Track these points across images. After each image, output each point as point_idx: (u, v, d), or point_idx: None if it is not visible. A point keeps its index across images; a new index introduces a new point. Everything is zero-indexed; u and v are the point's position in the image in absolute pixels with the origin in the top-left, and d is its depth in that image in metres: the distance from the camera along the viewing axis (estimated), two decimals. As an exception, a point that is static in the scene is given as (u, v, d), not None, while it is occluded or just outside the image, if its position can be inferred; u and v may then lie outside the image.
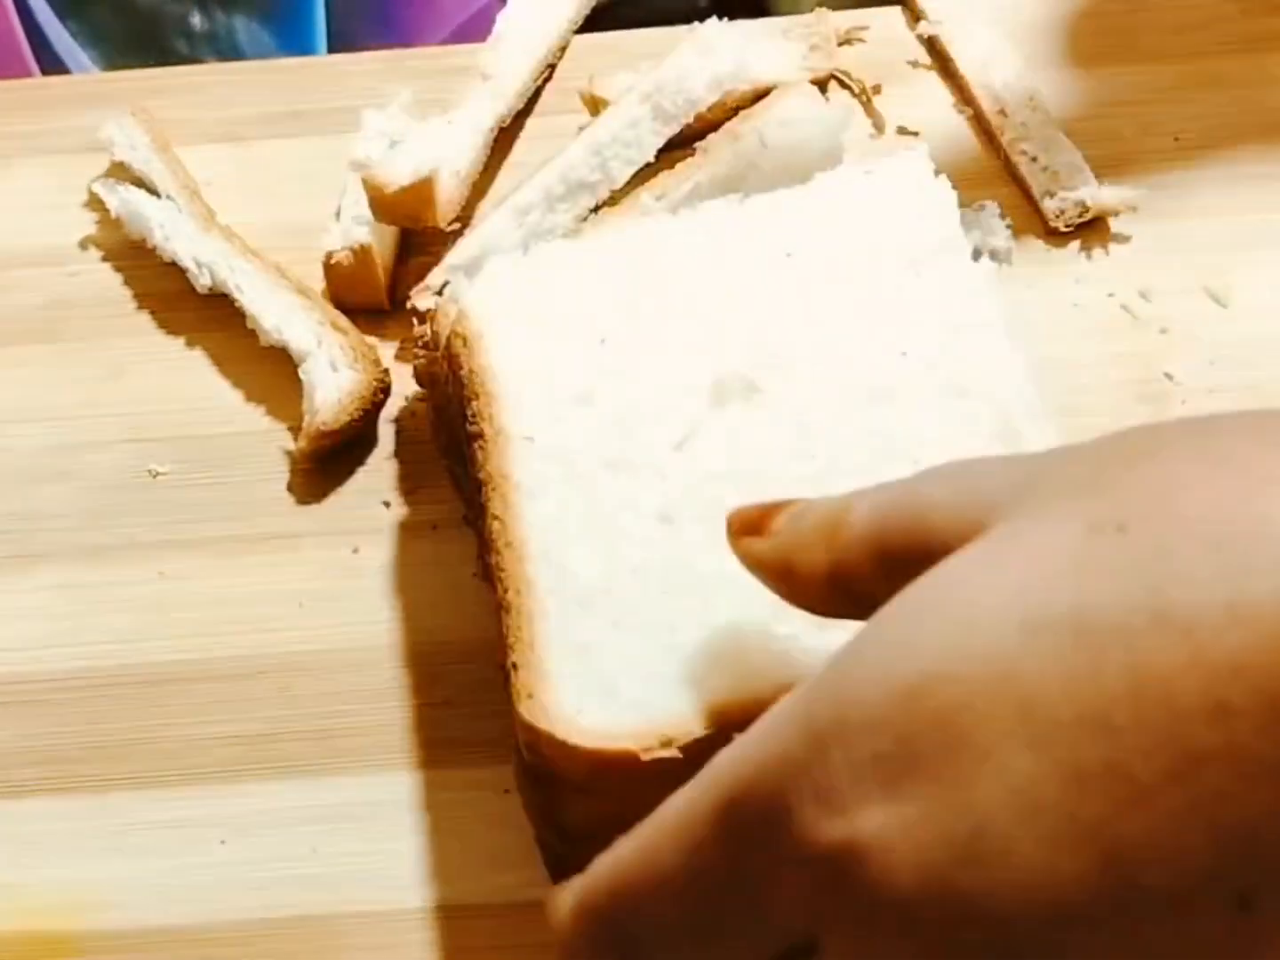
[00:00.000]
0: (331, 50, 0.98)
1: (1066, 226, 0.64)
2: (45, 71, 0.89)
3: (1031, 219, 0.65)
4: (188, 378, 0.65)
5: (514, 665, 0.46)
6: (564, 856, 0.47)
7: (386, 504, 0.60)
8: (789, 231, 0.55)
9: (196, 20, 0.97)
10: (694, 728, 0.44)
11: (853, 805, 0.32)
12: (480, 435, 0.51)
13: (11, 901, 0.52)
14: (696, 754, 0.42)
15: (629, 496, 0.49)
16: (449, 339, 0.54)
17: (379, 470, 0.61)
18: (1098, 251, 0.64)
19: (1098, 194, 0.65)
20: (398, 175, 0.63)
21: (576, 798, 0.46)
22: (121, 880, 0.53)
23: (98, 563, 0.60)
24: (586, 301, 0.54)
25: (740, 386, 0.51)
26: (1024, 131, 0.67)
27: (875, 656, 0.33)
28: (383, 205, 0.64)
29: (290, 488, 0.61)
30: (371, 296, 0.65)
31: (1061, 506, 0.34)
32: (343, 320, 0.63)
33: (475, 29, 0.98)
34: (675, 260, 0.55)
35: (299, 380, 0.62)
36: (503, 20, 0.72)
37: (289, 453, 0.62)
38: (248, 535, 0.60)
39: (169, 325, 0.66)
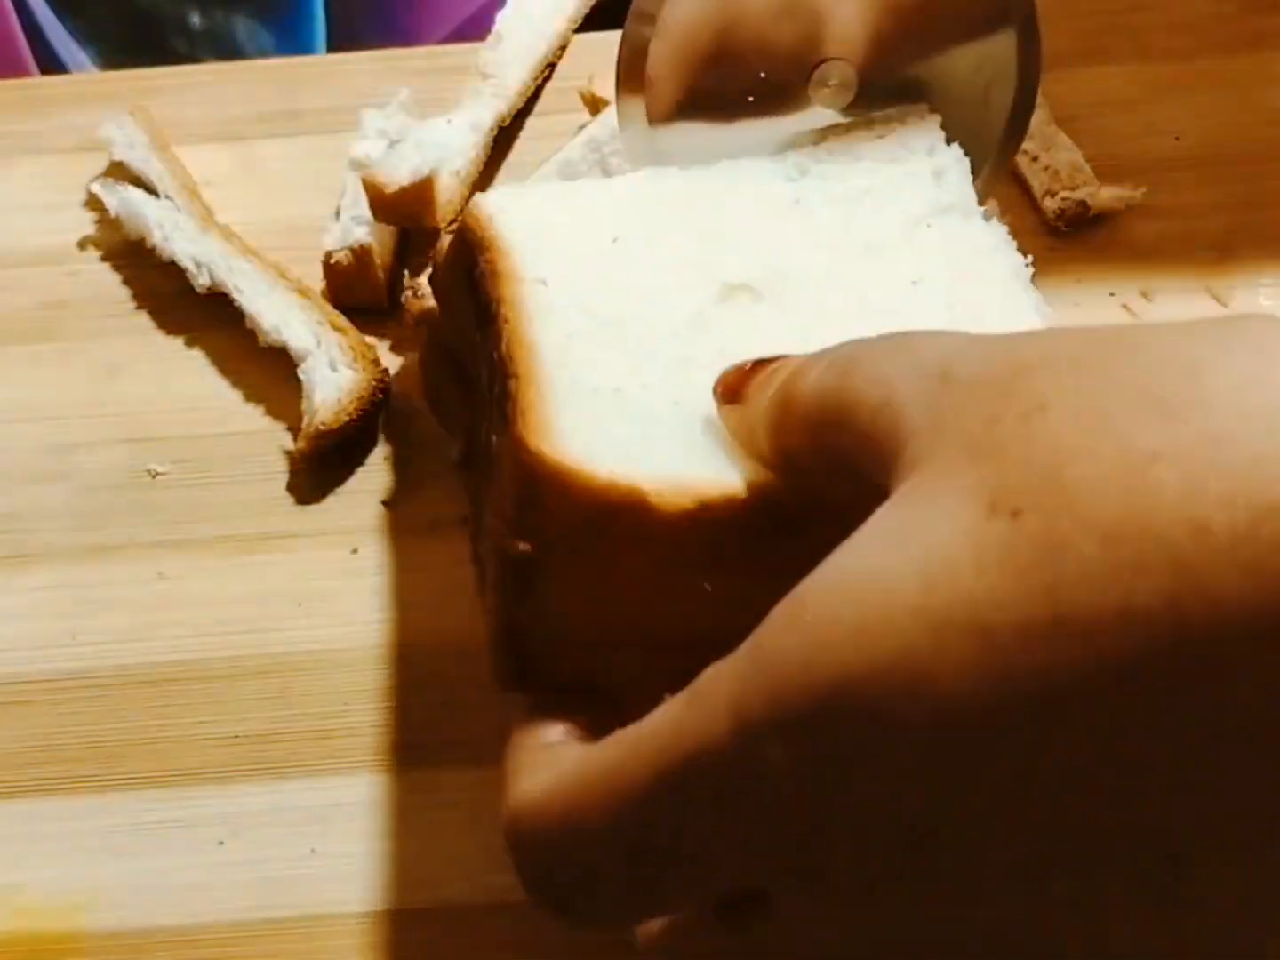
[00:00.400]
0: (331, 50, 0.98)
1: (1067, 226, 0.64)
2: (44, 70, 0.89)
3: (1031, 219, 0.65)
4: (186, 377, 0.65)
5: (522, 413, 0.45)
6: (520, 671, 0.46)
7: (386, 504, 0.60)
8: (800, 183, 0.55)
9: (195, 19, 0.97)
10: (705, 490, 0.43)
11: None
12: (490, 294, 0.49)
13: (9, 902, 0.52)
14: (704, 520, 0.42)
15: (646, 325, 0.49)
16: (461, 219, 0.53)
17: (378, 470, 0.61)
18: (1098, 251, 0.64)
19: (1098, 193, 0.65)
20: (397, 175, 0.63)
21: (549, 577, 0.44)
22: (120, 880, 0.53)
23: (96, 563, 0.60)
24: (599, 208, 0.53)
25: (747, 295, 0.51)
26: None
27: (799, 649, 0.34)
28: (382, 205, 0.64)
29: (289, 488, 0.61)
30: (371, 296, 0.65)
31: (962, 472, 0.34)
32: (342, 320, 0.63)
33: (475, 28, 0.98)
34: (686, 190, 0.54)
35: (298, 380, 0.62)
36: (502, 20, 0.72)
37: (288, 452, 0.62)
38: (246, 535, 0.60)
39: (167, 325, 0.66)
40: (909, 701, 0.32)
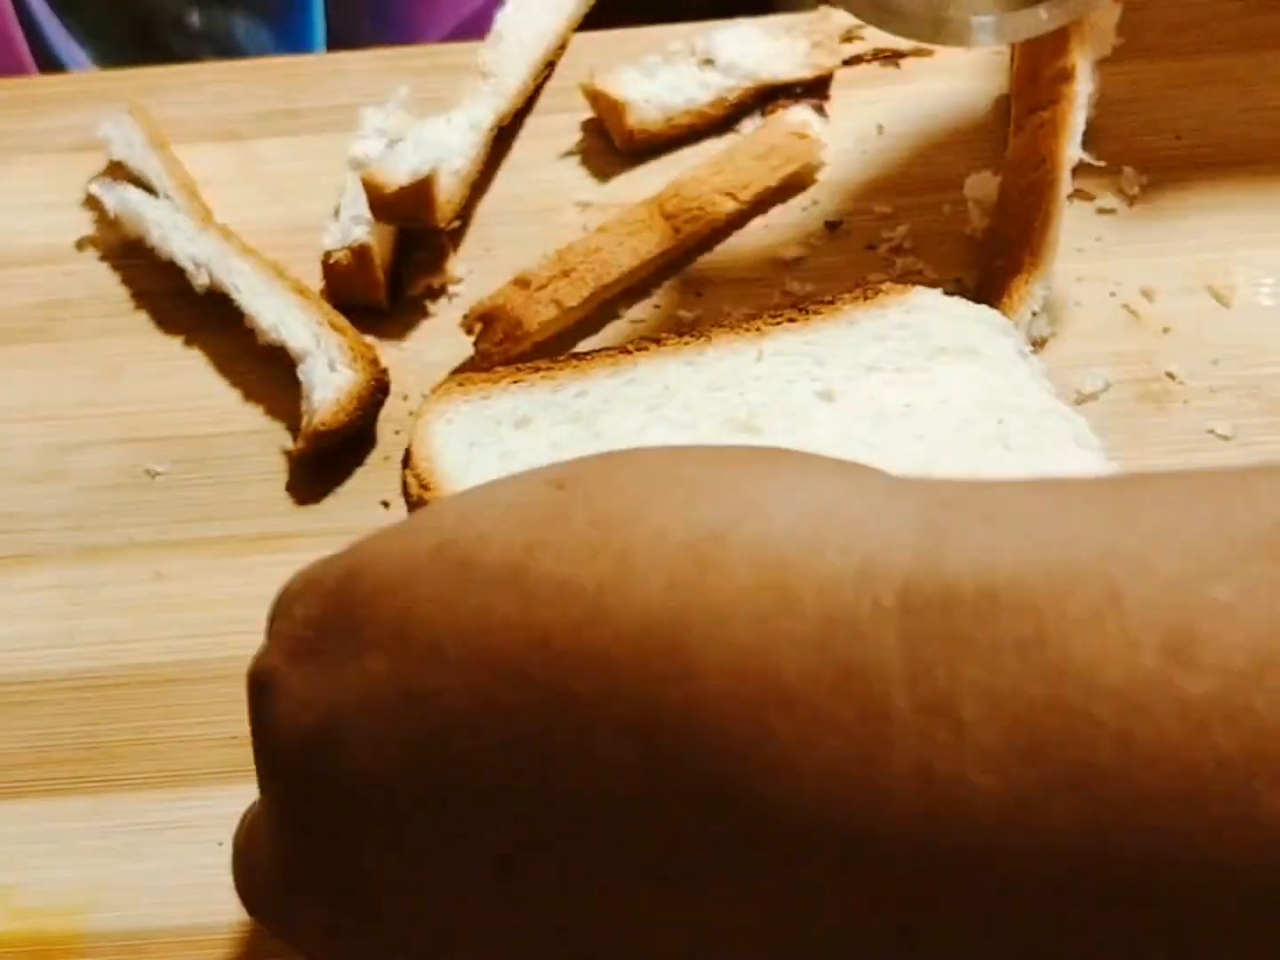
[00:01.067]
0: (330, 49, 0.98)
1: None
2: (42, 69, 0.89)
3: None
4: (185, 377, 0.64)
5: None
6: None
7: (385, 504, 0.60)
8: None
9: (194, 18, 0.97)
10: None
11: (275, 651, 0.40)
12: None
13: (7, 902, 0.52)
14: None
15: None
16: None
17: (377, 470, 0.61)
18: (1099, 250, 0.64)
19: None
20: (397, 175, 0.63)
21: None
22: (118, 881, 0.53)
23: (94, 563, 0.60)
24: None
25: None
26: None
27: (357, 545, 0.38)
28: (382, 205, 0.64)
29: (288, 488, 0.61)
30: (370, 296, 0.65)
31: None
32: (341, 320, 0.63)
33: (475, 27, 0.98)
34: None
35: (297, 380, 0.62)
36: (502, 18, 0.72)
37: (287, 452, 0.62)
38: (245, 535, 0.60)
39: (166, 325, 0.66)
40: (389, 601, 0.37)
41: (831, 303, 0.58)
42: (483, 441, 0.55)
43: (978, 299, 0.58)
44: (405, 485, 0.55)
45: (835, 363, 0.53)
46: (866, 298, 0.57)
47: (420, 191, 0.63)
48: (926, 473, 0.48)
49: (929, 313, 0.55)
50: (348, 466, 0.61)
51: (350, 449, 0.61)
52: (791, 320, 0.56)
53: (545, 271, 0.63)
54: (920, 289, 0.56)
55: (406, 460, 0.55)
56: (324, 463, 0.61)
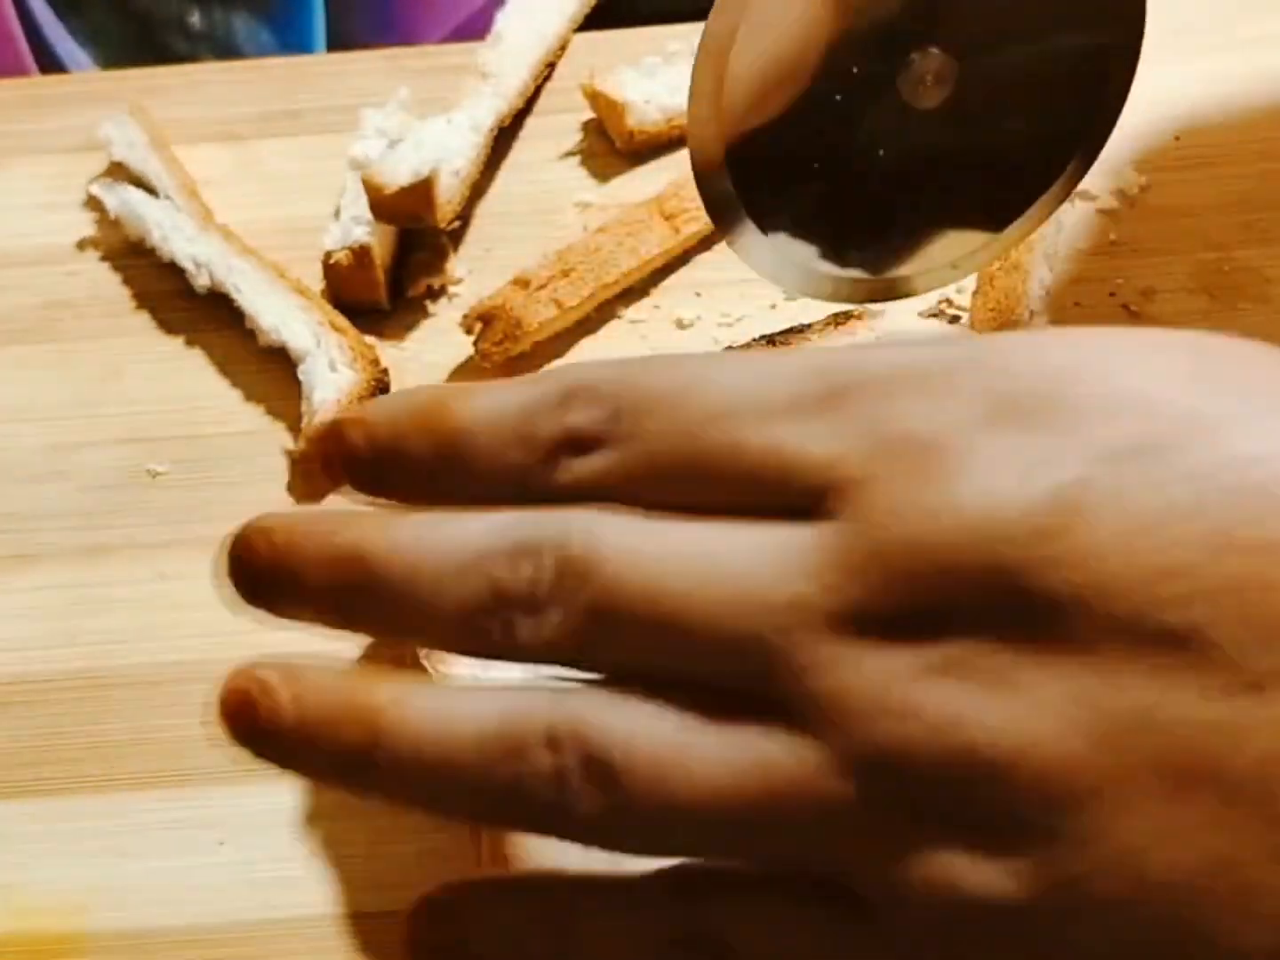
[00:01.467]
0: (330, 49, 0.98)
1: None
2: (43, 70, 0.89)
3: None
4: (186, 377, 0.65)
5: None
6: None
7: (384, 504, 0.60)
8: None
9: (195, 19, 0.97)
10: None
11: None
12: None
13: (9, 902, 0.52)
14: None
15: None
16: None
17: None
18: (1098, 252, 0.64)
19: None
20: (397, 175, 0.63)
21: None
22: (119, 881, 0.53)
23: (96, 563, 0.60)
24: None
25: None
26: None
27: None
28: (382, 205, 0.64)
29: (289, 488, 0.61)
30: (370, 296, 0.65)
31: None
32: (341, 320, 0.63)
33: (475, 28, 0.98)
34: None
35: (298, 380, 0.62)
36: (502, 19, 0.72)
37: (288, 452, 0.62)
38: (247, 535, 0.60)
39: (167, 325, 0.66)
40: None
41: (803, 331, 0.58)
42: None
43: (973, 299, 0.58)
44: None
45: None
46: (838, 324, 0.57)
47: (421, 192, 0.63)
48: None
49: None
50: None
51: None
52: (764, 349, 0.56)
53: (545, 271, 0.63)
54: (894, 315, 0.55)
55: None
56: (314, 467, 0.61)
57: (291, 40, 0.98)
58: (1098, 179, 0.66)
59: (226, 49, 0.97)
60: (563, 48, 0.73)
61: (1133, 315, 0.62)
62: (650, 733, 0.33)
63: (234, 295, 0.64)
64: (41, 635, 0.58)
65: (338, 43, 0.98)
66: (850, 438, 0.32)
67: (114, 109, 0.71)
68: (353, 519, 0.37)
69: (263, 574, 0.38)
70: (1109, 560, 0.30)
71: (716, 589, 0.32)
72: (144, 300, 0.67)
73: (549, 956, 0.35)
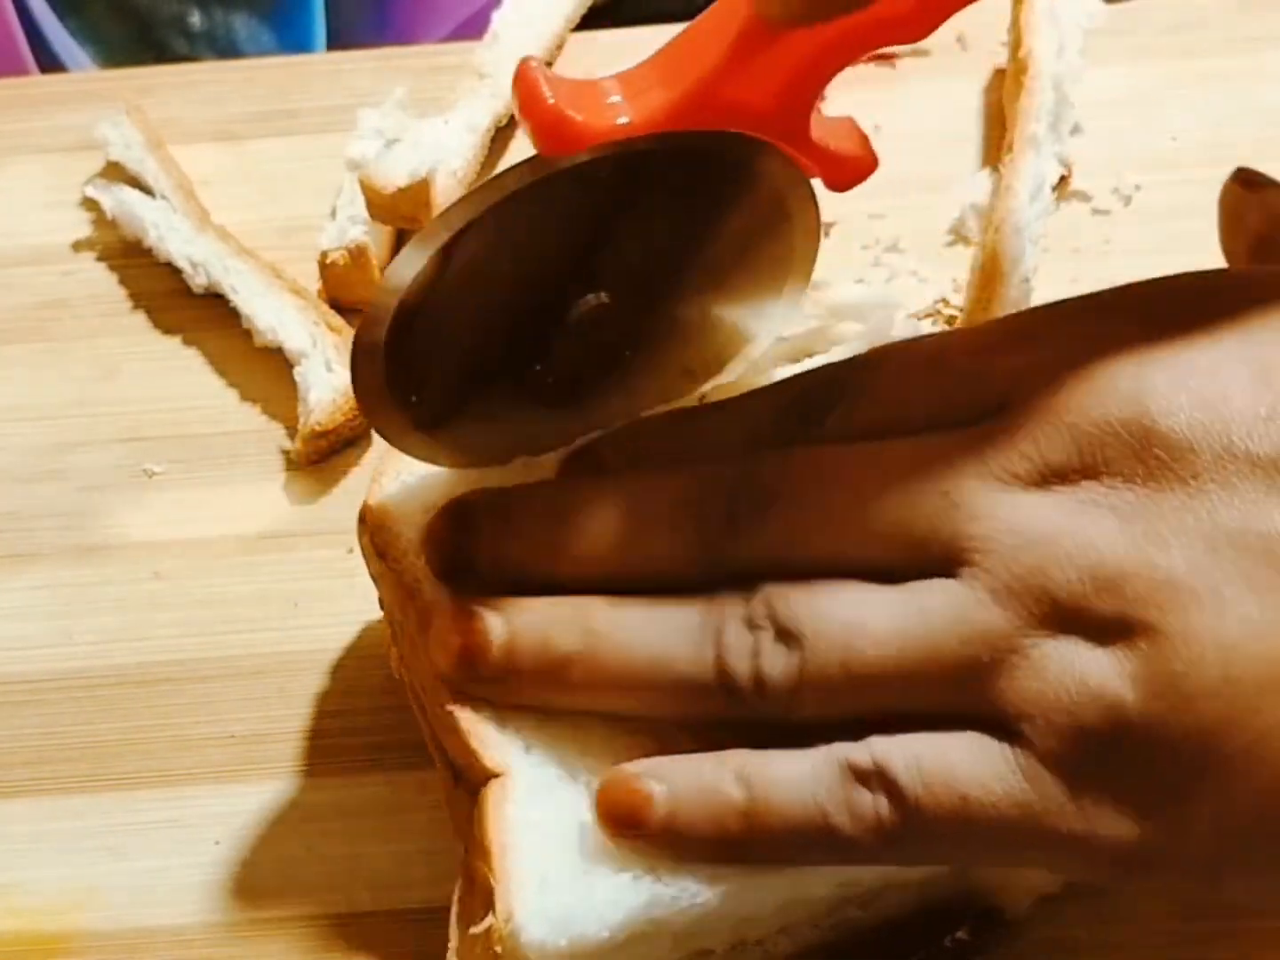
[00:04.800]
0: (330, 49, 0.98)
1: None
2: (43, 69, 0.89)
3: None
4: (182, 378, 0.65)
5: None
6: None
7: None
8: None
9: (195, 19, 0.97)
10: None
11: None
12: None
13: (4, 901, 0.52)
14: None
15: None
16: None
17: (374, 471, 0.61)
18: (1094, 252, 0.64)
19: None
20: (394, 176, 0.63)
21: None
22: (114, 880, 0.52)
23: (92, 562, 0.60)
24: None
25: None
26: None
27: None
28: (379, 206, 0.64)
29: (285, 488, 0.61)
30: (367, 296, 0.65)
31: None
32: (337, 320, 0.63)
33: (475, 28, 0.98)
34: None
35: (294, 380, 0.62)
36: (499, 19, 0.72)
37: (284, 453, 0.62)
38: (242, 535, 0.60)
39: (163, 325, 0.66)
40: None
41: None
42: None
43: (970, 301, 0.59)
44: (363, 551, 0.52)
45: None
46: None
47: (418, 193, 0.63)
48: None
49: None
50: (344, 467, 0.61)
51: (347, 449, 0.61)
52: None
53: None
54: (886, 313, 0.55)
55: (363, 518, 0.51)
56: (321, 463, 0.61)
57: (291, 40, 0.98)
58: (1094, 179, 0.66)
59: (226, 49, 0.97)
60: (560, 47, 0.73)
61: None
62: (832, 601, 0.41)
63: (230, 296, 0.64)
64: (37, 634, 0.58)
65: (338, 43, 0.98)
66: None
67: (110, 109, 0.71)
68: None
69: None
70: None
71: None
72: (140, 300, 0.67)
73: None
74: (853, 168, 0.49)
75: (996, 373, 0.42)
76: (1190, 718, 0.37)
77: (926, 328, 0.62)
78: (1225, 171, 0.65)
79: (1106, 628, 0.38)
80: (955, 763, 0.39)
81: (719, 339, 0.51)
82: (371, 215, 0.64)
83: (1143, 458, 0.38)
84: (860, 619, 0.40)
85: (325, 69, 0.76)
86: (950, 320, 0.62)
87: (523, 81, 0.43)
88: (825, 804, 0.39)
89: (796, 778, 0.40)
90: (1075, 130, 0.67)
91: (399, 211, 0.64)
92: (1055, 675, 0.38)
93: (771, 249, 0.50)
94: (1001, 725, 0.39)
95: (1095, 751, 0.38)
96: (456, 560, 0.46)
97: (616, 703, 0.43)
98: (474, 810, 0.45)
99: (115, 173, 0.69)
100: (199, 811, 0.54)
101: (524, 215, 0.45)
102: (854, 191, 0.65)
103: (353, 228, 0.65)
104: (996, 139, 0.67)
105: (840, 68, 0.46)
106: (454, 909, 0.45)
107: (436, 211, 0.64)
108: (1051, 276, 0.63)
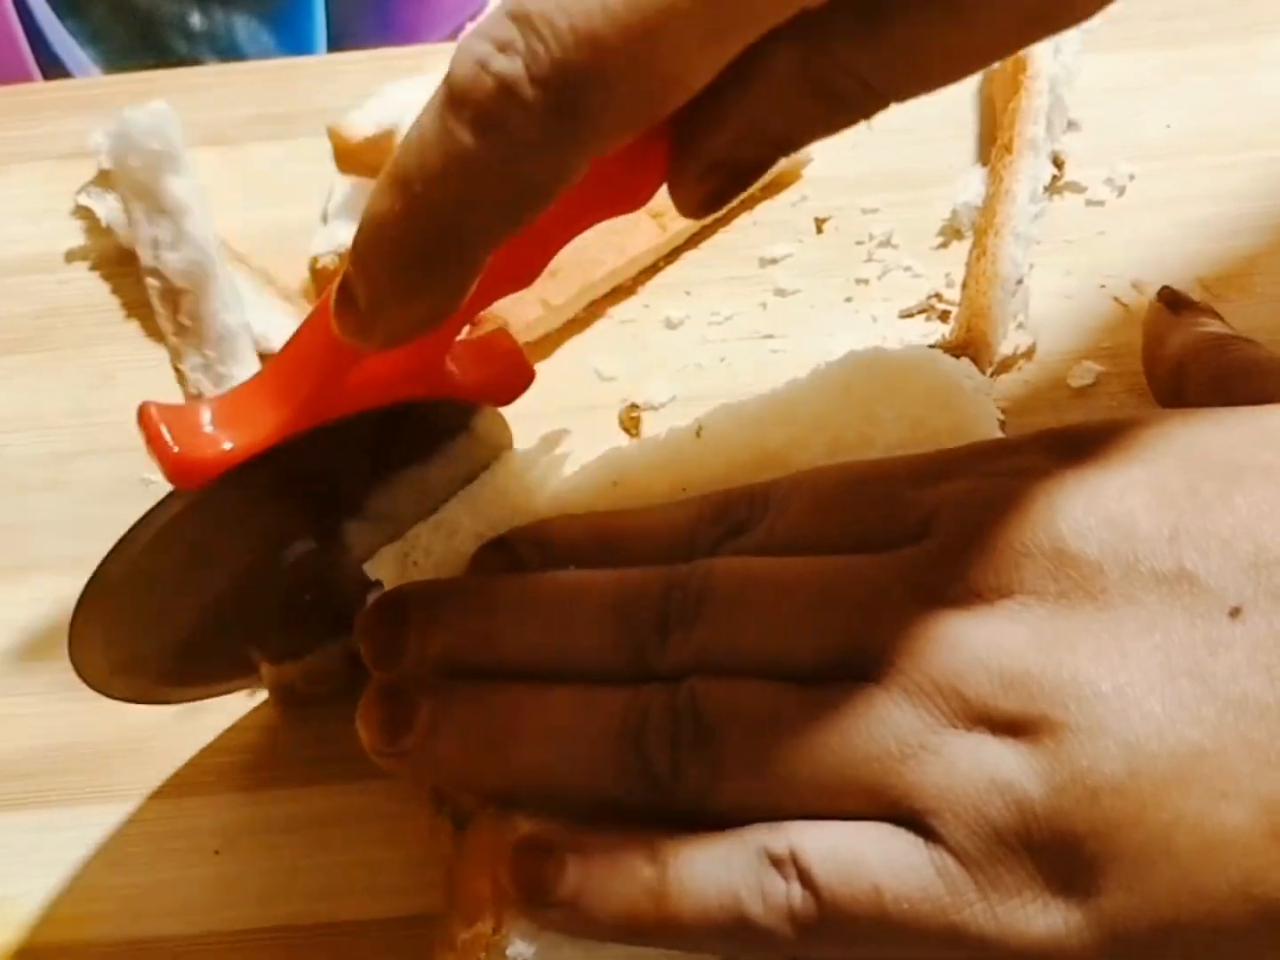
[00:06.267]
0: (331, 49, 0.98)
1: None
2: (44, 71, 0.90)
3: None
4: (179, 385, 0.64)
5: None
6: None
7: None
8: None
9: (196, 20, 0.97)
10: None
11: None
12: None
13: (6, 914, 0.52)
14: None
15: None
16: None
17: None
18: (1088, 244, 0.64)
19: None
20: (362, 127, 0.63)
21: None
22: (116, 891, 0.53)
23: (90, 573, 0.59)
24: None
25: None
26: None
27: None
28: (345, 156, 0.64)
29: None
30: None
31: None
32: (330, 324, 0.63)
33: (473, 27, 0.98)
34: None
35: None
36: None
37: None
38: (240, 543, 0.60)
39: (159, 332, 0.66)
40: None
41: None
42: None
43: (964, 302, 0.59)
44: None
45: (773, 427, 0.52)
46: None
47: (385, 145, 0.63)
48: None
49: None
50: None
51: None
52: None
53: (531, 271, 0.63)
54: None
55: None
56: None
57: (292, 41, 0.98)
58: (1087, 170, 0.66)
59: (227, 50, 0.97)
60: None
61: (1123, 307, 0.62)
62: (751, 697, 0.42)
63: (224, 302, 0.64)
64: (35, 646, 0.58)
65: (338, 43, 0.98)
66: None
67: (106, 114, 0.71)
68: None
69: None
70: None
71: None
72: (136, 308, 0.67)
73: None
74: (508, 385, 0.50)
75: (916, 500, 0.44)
76: (1096, 812, 0.38)
77: (919, 325, 0.62)
78: (1221, 160, 0.65)
79: (1014, 725, 0.39)
80: (869, 853, 0.40)
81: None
82: (339, 167, 0.65)
83: (1056, 577, 0.40)
84: (777, 716, 0.42)
85: (322, 70, 0.75)
86: (944, 316, 0.62)
87: (144, 425, 0.45)
88: (739, 889, 0.40)
89: (711, 859, 0.41)
90: (1070, 127, 0.66)
91: (364, 161, 0.65)
92: (964, 771, 0.39)
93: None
94: (913, 821, 0.40)
95: (1004, 847, 0.39)
96: (389, 649, 0.47)
97: (534, 792, 0.44)
98: (461, 832, 0.45)
99: (108, 180, 0.69)
100: (199, 821, 0.54)
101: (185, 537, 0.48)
102: (847, 186, 0.66)
103: (343, 232, 0.65)
104: (990, 134, 0.67)
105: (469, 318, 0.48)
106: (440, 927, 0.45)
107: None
108: (1045, 269, 0.63)
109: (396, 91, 0.66)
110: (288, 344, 0.46)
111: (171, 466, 0.45)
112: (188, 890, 0.52)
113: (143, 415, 0.45)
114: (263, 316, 0.64)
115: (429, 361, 0.47)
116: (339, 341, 0.42)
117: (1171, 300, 0.57)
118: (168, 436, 0.44)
